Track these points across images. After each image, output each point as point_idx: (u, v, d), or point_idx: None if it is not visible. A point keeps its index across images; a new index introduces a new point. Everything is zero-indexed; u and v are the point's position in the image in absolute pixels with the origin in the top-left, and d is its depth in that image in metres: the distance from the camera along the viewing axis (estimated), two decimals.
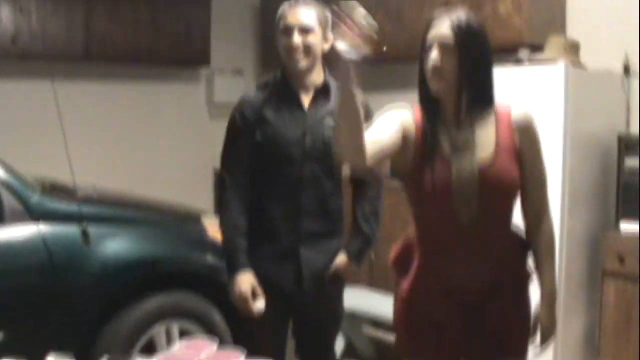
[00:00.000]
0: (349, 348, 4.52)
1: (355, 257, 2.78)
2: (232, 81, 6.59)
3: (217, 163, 6.86)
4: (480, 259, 2.10)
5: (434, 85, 2.08)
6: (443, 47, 2.04)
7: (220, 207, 2.73)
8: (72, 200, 3.32)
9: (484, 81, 2.11)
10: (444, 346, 2.15)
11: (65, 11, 5.26)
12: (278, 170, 2.67)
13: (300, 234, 2.69)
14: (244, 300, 2.62)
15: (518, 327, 2.21)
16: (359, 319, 4.55)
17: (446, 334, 2.14)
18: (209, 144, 6.51)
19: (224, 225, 2.71)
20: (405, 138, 2.11)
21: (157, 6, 5.78)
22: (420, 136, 2.12)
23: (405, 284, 2.21)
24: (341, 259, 2.76)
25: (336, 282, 2.82)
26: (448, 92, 2.09)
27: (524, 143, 2.13)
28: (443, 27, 2.06)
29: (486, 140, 2.09)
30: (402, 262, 2.26)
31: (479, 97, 2.10)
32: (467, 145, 2.09)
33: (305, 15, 2.64)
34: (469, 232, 2.07)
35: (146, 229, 3.49)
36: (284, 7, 2.69)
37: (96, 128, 5.82)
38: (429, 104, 2.14)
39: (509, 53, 4.32)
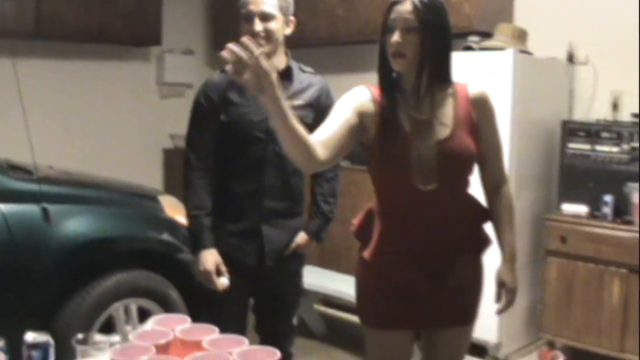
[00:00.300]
0: (301, 325, 4.62)
1: (316, 235, 2.88)
2: (183, 61, 6.59)
3: (167, 143, 6.89)
4: (440, 227, 2.19)
5: (396, 66, 2.14)
6: (405, 29, 2.09)
7: (185, 187, 2.78)
8: (31, 180, 3.32)
9: (444, 60, 2.18)
10: (405, 309, 2.23)
11: None
12: (242, 151, 2.73)
13: (263, 213, 2.77)
14: (208, 276, 2.70)
15: (473, 291, 2.32)
16: (310, 296, 4.65)
17: (408, 298, 2.22)
18: (159, 123, 6.53)
19: (188, 205, 2.77)
20: (364, 118, 2.17)
21: None
22: (381, 113, 2.18)
23: (369, 250, 2.28)
24: (302, 237, 2.86)
25: (297, 260, 2.91)
26: (409, 72, 2.15)
27: (481, 116, 2.22)
28: (405, 8, 2.10)
29: (444, 115, 2.17)
30: (364, 230, 2.32)
31: (439, 75, 2.18)
32: (426, 122, 2.16)
33: (266, 2, 2.69)
34: (428, 202, 2.16)
35: (105, 208, 3.50)
36: None
37: (47, 106, 5.75)
38: (389, 84, 2.21)
39: (459, 39, 4.45)
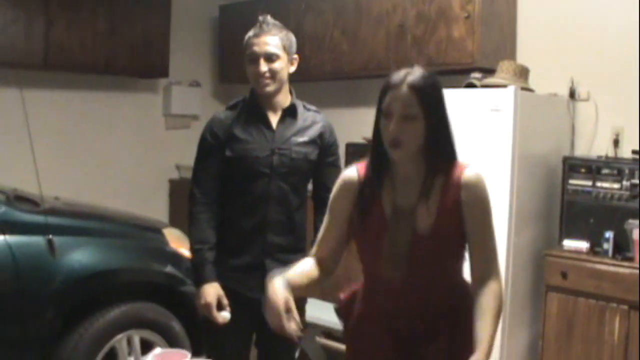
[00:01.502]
0: (303, 357, 4.62)
1: None
2: (189, 93, 6.65)
3: (172, 174, 6.94)
4: (416, 311, 2.09)
5: (394, 156, 2.03)
6: (403, 116, 1.97)
7: (189, 221, 2.82)
8: (37, 212, 3.36)
9: (447, 144, 2.07)
10: None
11: (25, 20, 5.26)
12: (246, 186, 2.77)
13: (266, 247, 2.80)
14: (209, 310, 2.72)
15: None
16: (312, 329, 4.65)
17: None
18: (165, 155, 6.58)
19: (192, 239, 2.81)
20: (350, 203, 2.15)
21: (116, 17, 5.81)
22: (362, 193, 2.12)
23: (350, 325, 2.26)
24: None
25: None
26: (406, 160, 2.04)
27: (468, 201, 2.04)
28: (402, 93, 1.97)
29: (430, 202, 2.04)
30: (347, 307, 2.29)
31: (444, 160, 2.06)
32: (408, 211, 2.06)
33: (270, 43, 2.75)
34: (397, 289, 2.08)
35: (109, 240, 3.53)
36: (249, 35, 2.80)
37: (54, 137, 5.81)
38: (380, 168, 2.11)
39: (461, 75, 4.50)
